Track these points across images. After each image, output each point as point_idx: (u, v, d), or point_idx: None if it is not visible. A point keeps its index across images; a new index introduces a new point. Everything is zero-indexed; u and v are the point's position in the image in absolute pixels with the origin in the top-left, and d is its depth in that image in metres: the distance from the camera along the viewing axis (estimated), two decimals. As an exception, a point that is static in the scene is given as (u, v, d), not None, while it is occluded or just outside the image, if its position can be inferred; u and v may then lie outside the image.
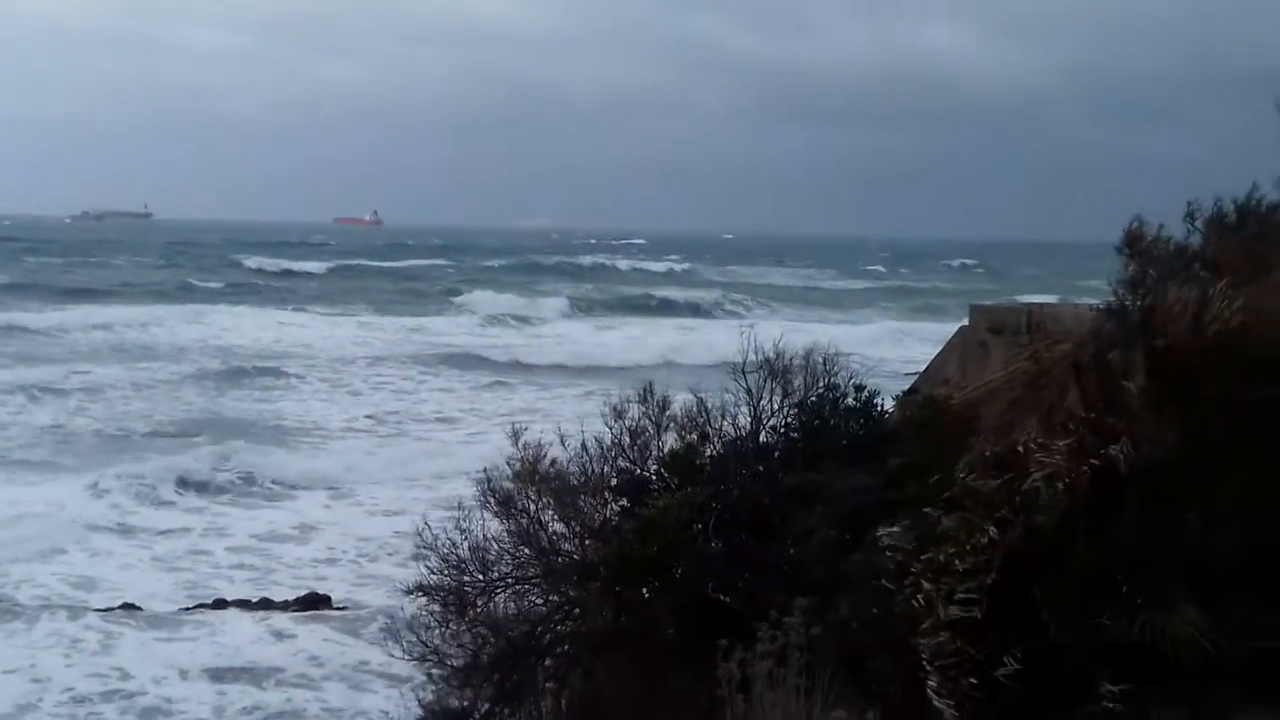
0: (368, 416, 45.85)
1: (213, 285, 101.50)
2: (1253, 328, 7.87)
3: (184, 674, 21.16)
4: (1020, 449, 7.85)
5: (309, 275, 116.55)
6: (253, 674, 21.32)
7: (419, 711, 14.76)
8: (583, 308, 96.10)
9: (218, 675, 21.15)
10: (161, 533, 29.83)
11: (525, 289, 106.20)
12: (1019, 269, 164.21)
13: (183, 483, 33.59)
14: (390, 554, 26.76)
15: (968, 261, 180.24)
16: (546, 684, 14.47)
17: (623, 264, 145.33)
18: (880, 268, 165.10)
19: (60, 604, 24.36)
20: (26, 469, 35.35)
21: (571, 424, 15.89)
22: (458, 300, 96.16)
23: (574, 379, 56.25)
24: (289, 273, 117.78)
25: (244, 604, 24.91)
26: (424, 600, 14.83)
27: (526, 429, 15.61)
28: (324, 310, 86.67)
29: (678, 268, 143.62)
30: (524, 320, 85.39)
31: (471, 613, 14.69)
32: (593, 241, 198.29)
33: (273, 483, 34.66)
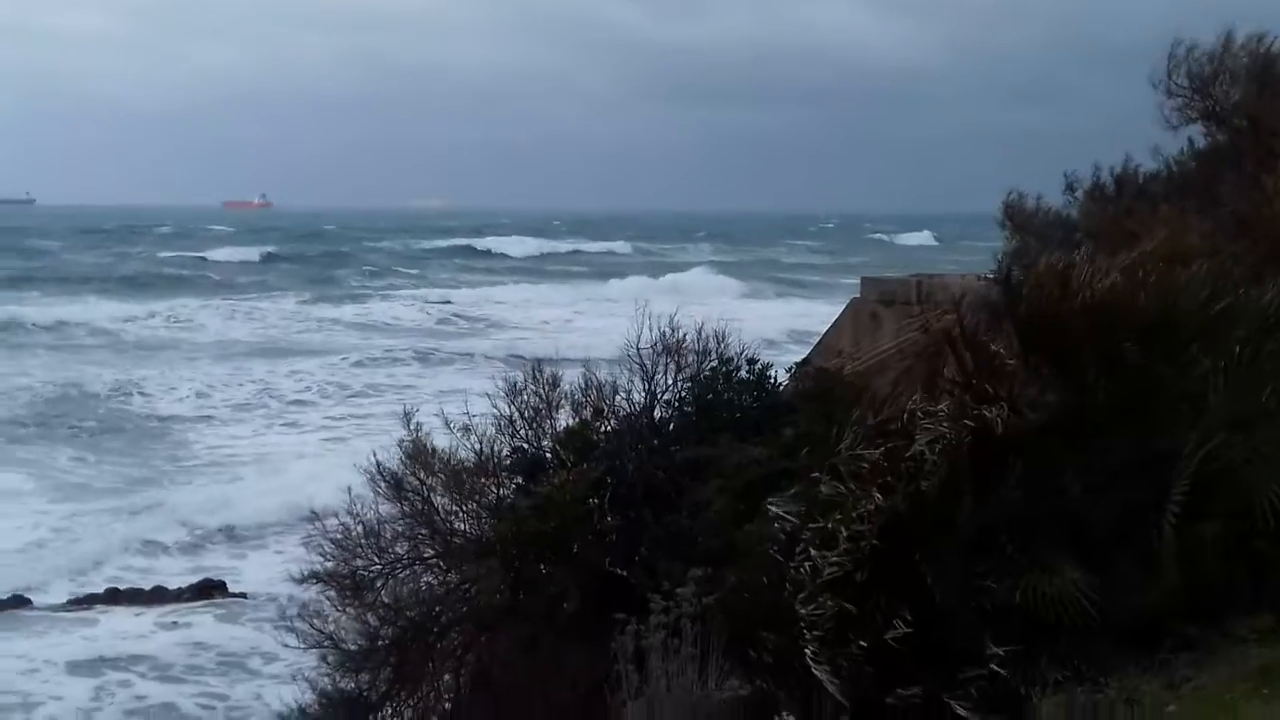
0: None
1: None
2: (1127, 293, 8.02)
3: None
4: (904, 416, 7.95)
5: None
6: (135, 665, 20.99)
7: (314, 698, 14.60)
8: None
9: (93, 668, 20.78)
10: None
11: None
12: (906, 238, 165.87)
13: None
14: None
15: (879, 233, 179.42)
16: (445, 663, 14.41)
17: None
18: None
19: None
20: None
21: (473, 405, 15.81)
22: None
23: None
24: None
25: (136, 594, 24.53)
26: (319, 586, 14.68)
27: (418, 410, 15.51)
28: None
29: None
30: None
31: (369, 596, 14.57)
32: (506, 222, 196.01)
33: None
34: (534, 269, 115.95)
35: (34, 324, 63.73)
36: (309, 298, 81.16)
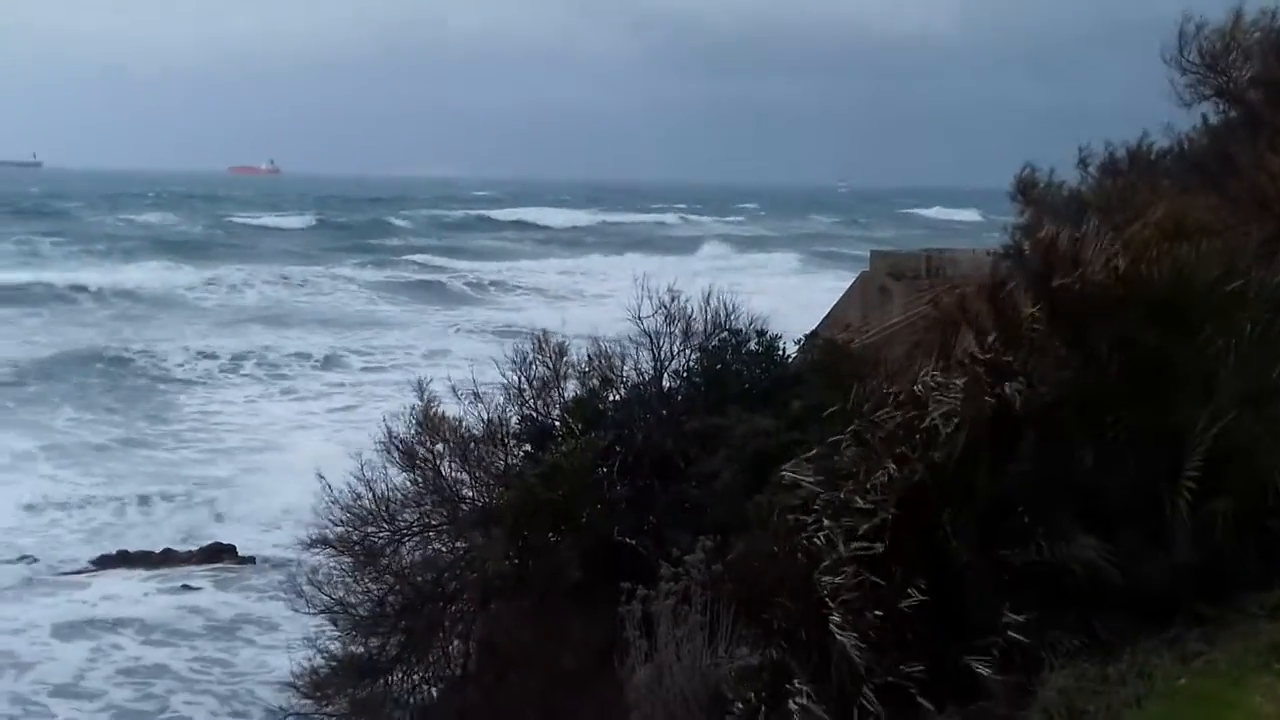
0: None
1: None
2: (1138, 270, 8.04)
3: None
4: (919, 388, 7.97)
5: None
6: (139, 628, 21.10)
7: (326, 662, 14.70)
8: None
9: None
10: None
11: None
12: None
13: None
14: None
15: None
16: (454, 629, 14.51)
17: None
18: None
19: None
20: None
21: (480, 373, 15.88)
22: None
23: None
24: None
25: (145, 556, 24.66)
26: (330, 552, 14.77)
27: (431, 380, 15.56)
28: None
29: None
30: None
31: (380, 562, 14.65)
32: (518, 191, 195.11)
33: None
34: (576, 240, 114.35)
35: (121, 289, 64.33)
36: (384, 275, 79.88)
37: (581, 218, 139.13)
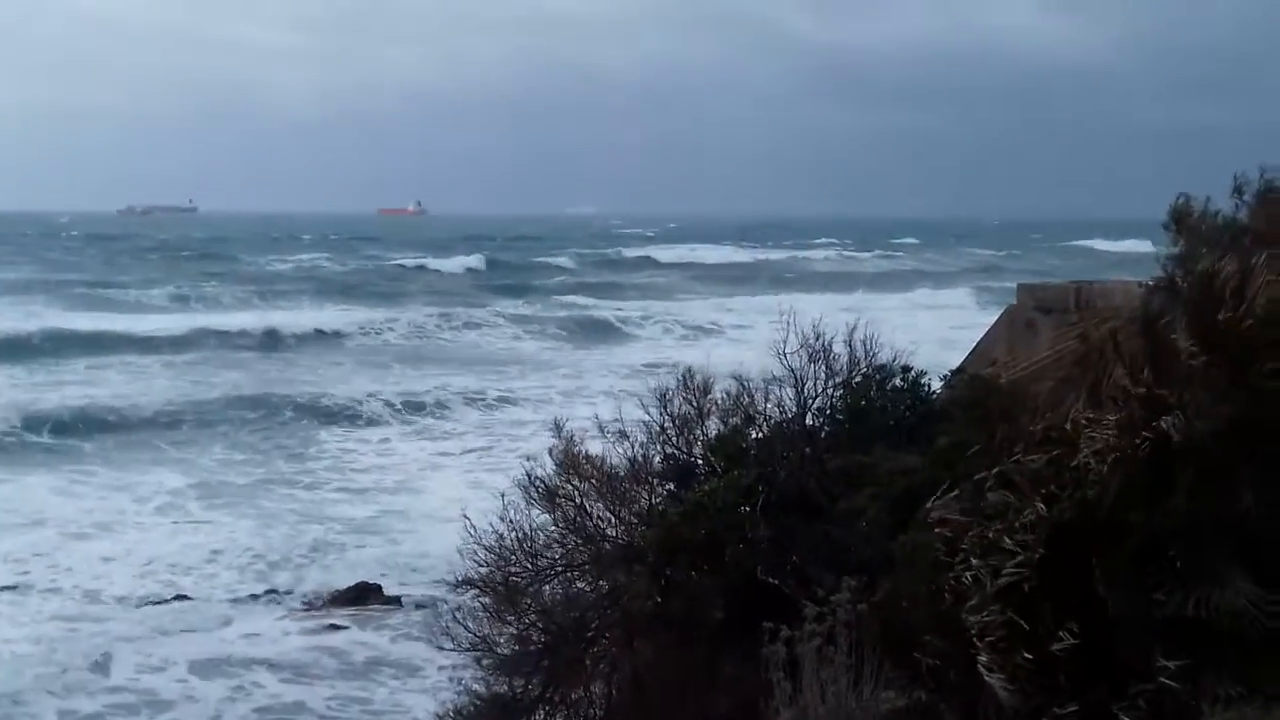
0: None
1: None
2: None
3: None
4: (1069, 425, 7.77)
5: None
6: (280, 666, 21.47)
7: (470, 700, 14.80)
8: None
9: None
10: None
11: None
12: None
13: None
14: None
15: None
16: (597, 668, 14.49)
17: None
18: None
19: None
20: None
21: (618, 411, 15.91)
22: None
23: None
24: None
25: (292, 594, 25.17)
26: (473, 592, 14.88)
27: (568, 420, 15.64)
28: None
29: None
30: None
31: (523, 602, 14.71)
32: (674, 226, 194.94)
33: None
34: (736, 278, 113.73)
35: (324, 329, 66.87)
36: (531, 313, 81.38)
37: (737, 254, 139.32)
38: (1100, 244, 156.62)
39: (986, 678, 6.81)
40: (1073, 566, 7.08)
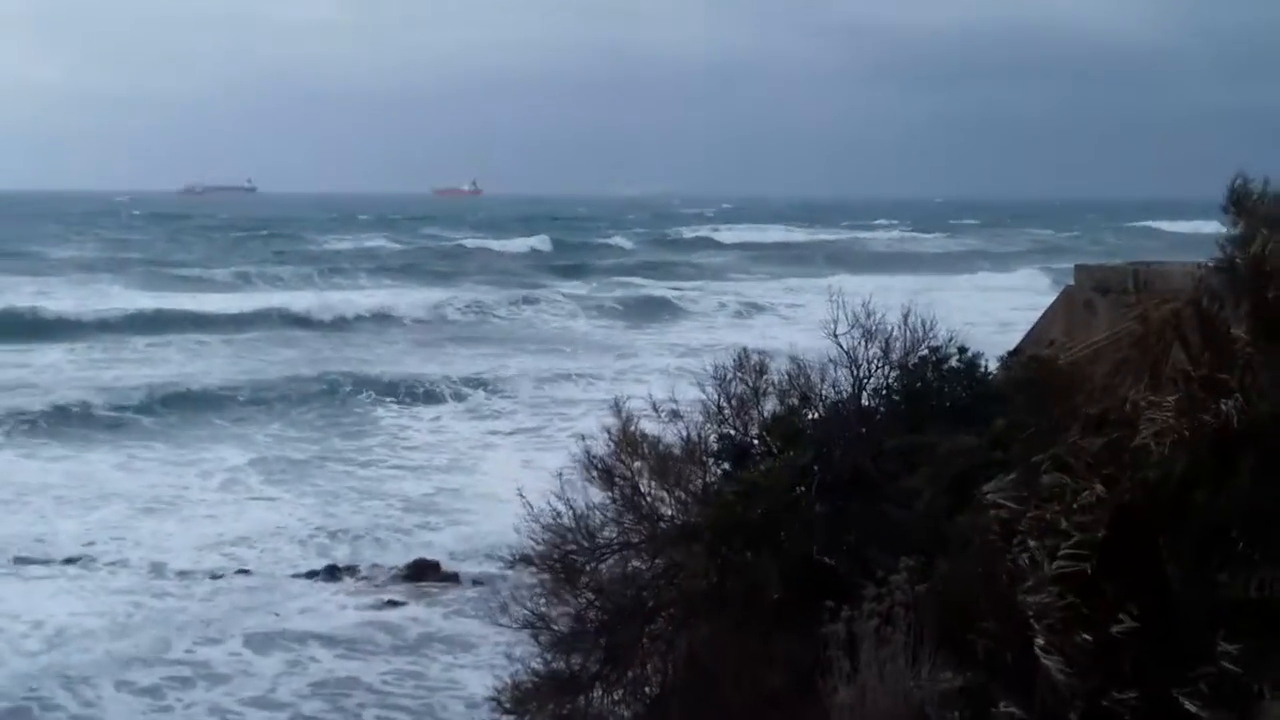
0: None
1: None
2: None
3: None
4: (1128, 407, 7.76)
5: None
6: (336, 641, 21.73)
7: (528, 677, 14.93)
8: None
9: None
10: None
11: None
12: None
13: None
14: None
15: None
16: (654, 645, 14.58)
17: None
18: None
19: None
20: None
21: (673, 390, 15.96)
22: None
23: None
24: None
25: (351, 570, 25.41)
26: (531, 569, 15.00)
27: (629, 399, 15.70)
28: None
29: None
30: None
31: (580, 579, 14.82)
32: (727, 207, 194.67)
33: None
34: (796, 258, 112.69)
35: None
36: (589, 293, 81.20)
37: (795, 234, 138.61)
38: (1165, 225, 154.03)
39: (1043, 660, 6.83)
40: (1136, 548, 7.08)
